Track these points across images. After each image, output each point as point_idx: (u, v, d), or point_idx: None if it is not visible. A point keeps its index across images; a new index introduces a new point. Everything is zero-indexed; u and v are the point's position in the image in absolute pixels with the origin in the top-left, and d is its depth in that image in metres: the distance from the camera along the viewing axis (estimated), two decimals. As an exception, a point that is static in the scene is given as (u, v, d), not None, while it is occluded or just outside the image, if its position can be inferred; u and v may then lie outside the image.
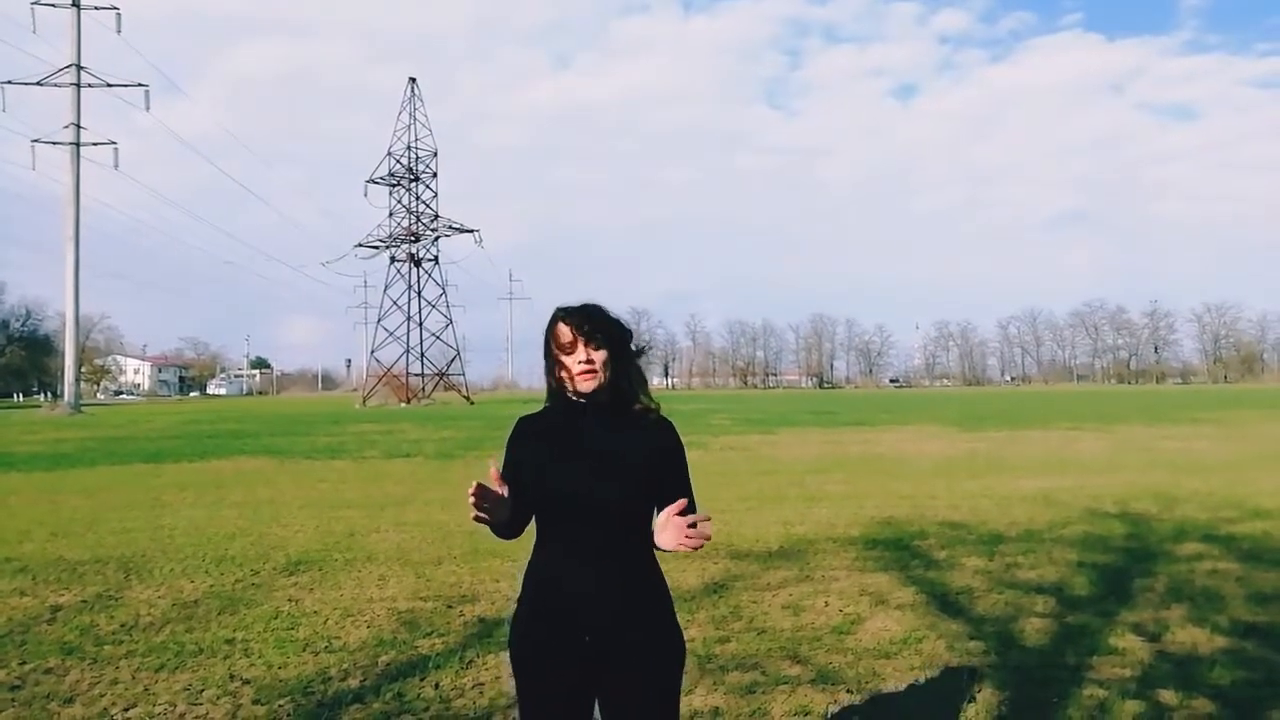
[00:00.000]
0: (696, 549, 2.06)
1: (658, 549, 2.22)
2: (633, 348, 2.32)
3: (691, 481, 2.33)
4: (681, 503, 2.09)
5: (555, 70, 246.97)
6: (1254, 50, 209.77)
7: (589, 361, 2.22)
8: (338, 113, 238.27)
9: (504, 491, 2.14)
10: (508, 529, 2.25)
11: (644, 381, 2.35)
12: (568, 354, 2.24)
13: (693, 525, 2.04)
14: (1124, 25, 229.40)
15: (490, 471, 2.14)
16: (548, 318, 2.30)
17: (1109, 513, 9.58)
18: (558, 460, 2.23)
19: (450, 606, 5.88)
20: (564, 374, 2.25)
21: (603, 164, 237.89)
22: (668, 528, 2.10)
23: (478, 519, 2.09)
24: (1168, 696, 4.15)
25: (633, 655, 2.20)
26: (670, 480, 2.27)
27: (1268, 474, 13.14)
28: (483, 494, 2.07)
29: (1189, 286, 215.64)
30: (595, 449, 2.23)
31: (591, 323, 2.24)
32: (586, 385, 2.23)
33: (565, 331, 2.24)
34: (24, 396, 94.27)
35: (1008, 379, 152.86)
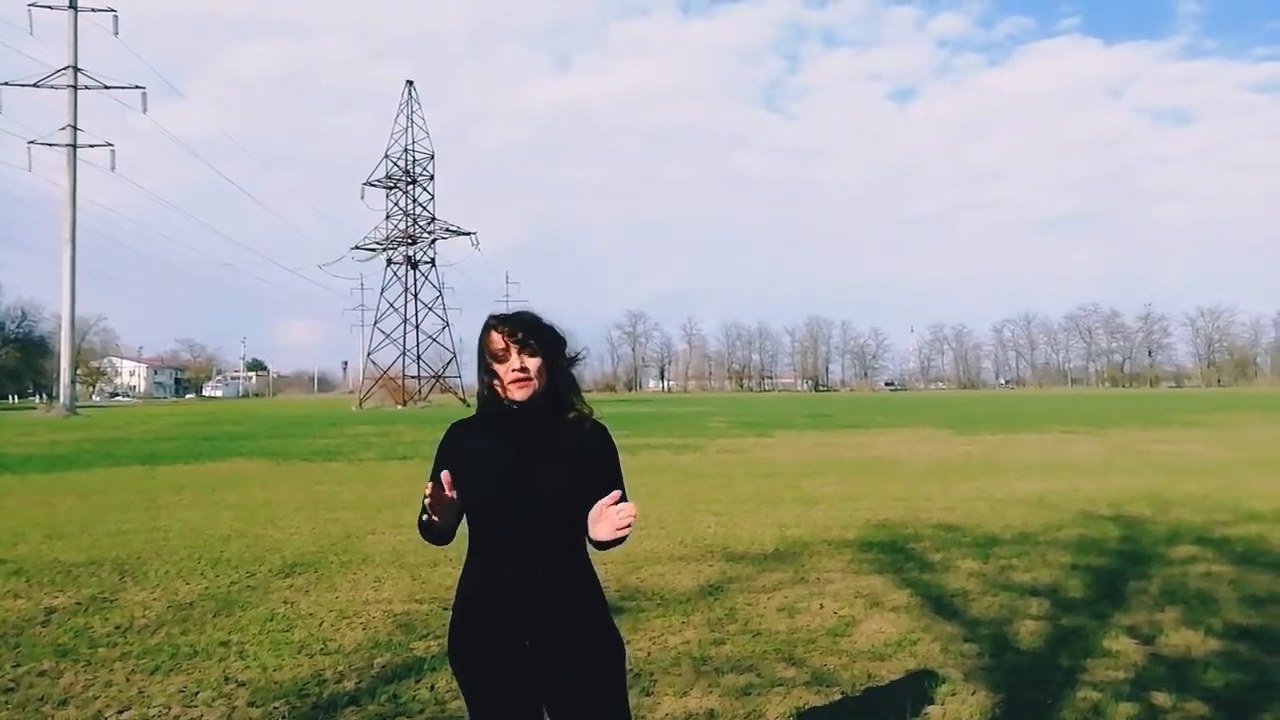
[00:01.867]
0: (628, 528, 2.08)
1: (595, 544, 2.21)
2: (567, 355, 2.31)
3: (625, 483, 2.34)
4: (615, 494, 2.12)
5: (555, 71, 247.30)
6: (1251, 55, 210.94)
7: (523, 369, 2.21)
8: (336, 114, 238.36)
9: (453, 495, 2.14)
10: (442, 535, 2.25)
11: (577, 388, 2.34)
12: (501, 362, 2.22)
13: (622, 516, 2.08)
14: (1122, 30, 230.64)
15: (444, 476, 2.13)
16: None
17: (1103, 515, 9.60)
18: (491, 466, 2.22)
19: (446, 608, 5.86)
20: (497, 382, 2.24)
21: (600, 165, 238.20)
22: (601, 519, 2.12)
23: (428, 520, 2.11)
24: (1161, 699, 4.17)
25: (575, 659, 2.20)
26: (605, 484, 2.27)
27: (1261, 477, 13.18)
28: (436, 495, 2.08)
29: (1183, 290, 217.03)
30: (529, 455, 2.22)
31: (525, 330, 2.23)
32: (520, 394, 2.21)
33: (498, 339, 2.23)
34: (19, 398, 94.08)
35: (1002, 382, 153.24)
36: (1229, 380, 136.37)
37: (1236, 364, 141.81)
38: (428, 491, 2.06)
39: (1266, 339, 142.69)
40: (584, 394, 2.37)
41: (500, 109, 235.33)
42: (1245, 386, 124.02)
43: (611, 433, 2.38)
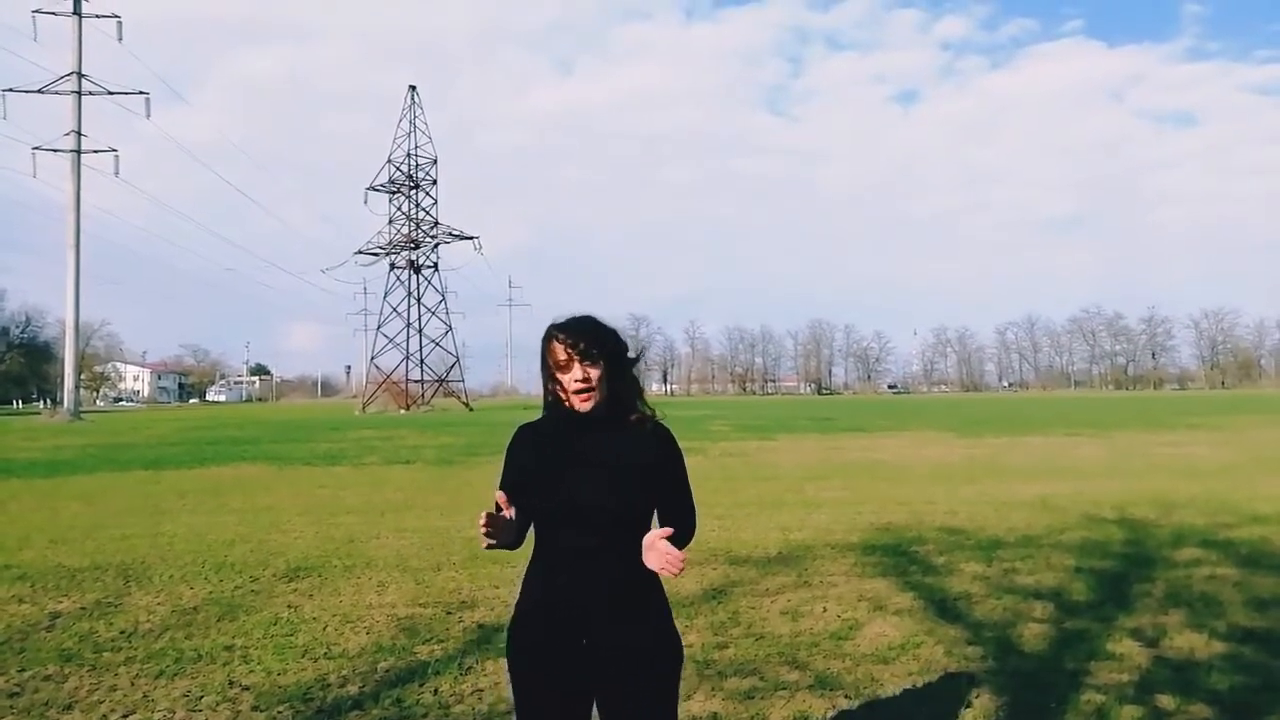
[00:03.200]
0: (676, 575, 2.11)
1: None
2: (629, 356, 2.32)
3: (690, 487, 2.36)
4: (669, 531, 2.14)
5: (557, 74, 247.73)
6: (1254, 57, 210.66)
7: (585, 379, 2.22)
8: (338, 118, 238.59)
9: (510, 514, 2.17)
10: (510, 543, 2.28)
11: (640, 390, 2.35)
12: (564, 372, 2.24)
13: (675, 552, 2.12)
14: (1125, 32, 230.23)
15: (498, 497, 2.17)
16: (546, 324, 2.31)
17: (1107, 518, 9.58)
18: (557, 468, 2.25)
19: (449, 613, 5.88)
20: (561, 391, 2.26)
21: (602, 168, 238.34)
22: (654, 548, 2.14)
23: (489, 547, 2.15)
24: (1166, 701, 4.16)
25: (630, 659, 2.22)
26: (668, 486, 2.31)
27: (1265, 479, 13.15)
28: (492, 522, 2.11)
29: (1187, 292, 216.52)
30: (594, 457, 2.24)
31: (587, 339, 2.24)
32: (584, 405, 2.24)
33: (560, 350, 2.24)
34: (23, 403, 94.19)
35: (1005, 385, 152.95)
36: (1233, 382, 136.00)
37: (1240, 366, 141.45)
38: (482, 522, 2.09)
39: (1270, 341, 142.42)
40: (641, 390, 2.38)
41: (502, 113, 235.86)
42: (1249, 388, 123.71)
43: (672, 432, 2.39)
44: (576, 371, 2.22)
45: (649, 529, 2.25)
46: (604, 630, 2.21)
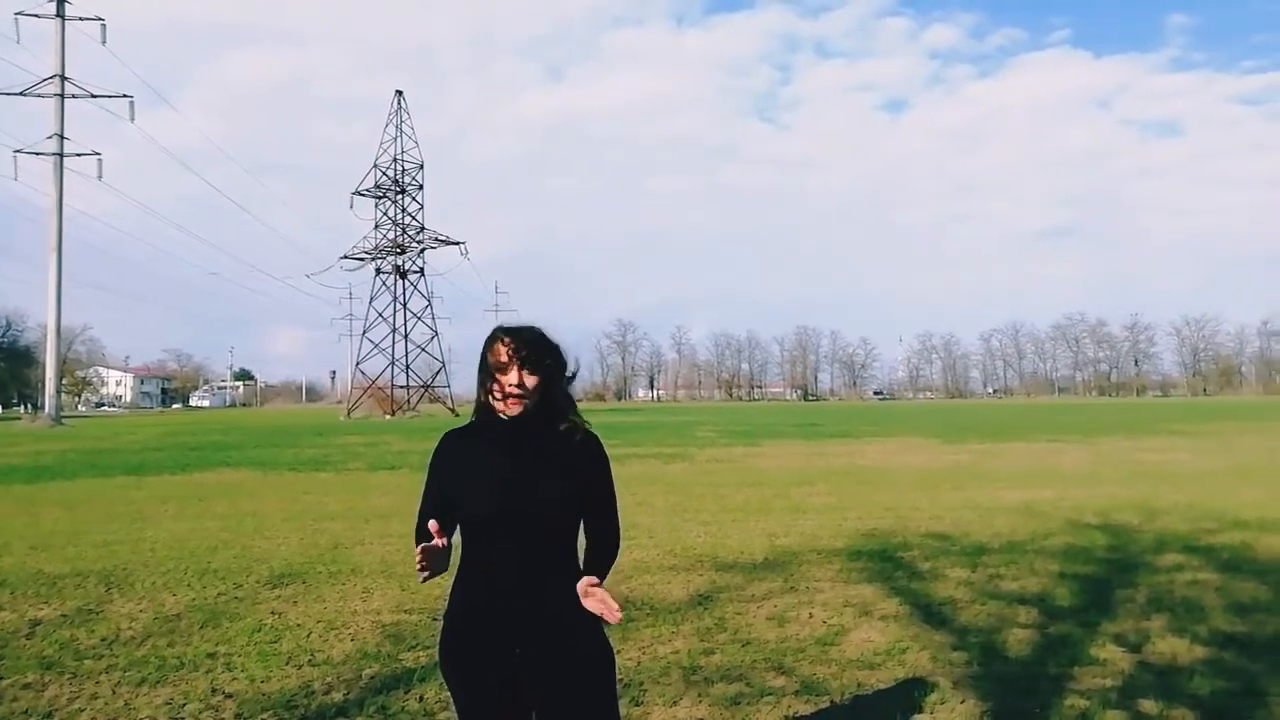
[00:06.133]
0: (616, 621, 2.15)
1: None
2: (567, 374, 2.34)
3: (616, 498, 2.38)
4: (595, 580, 2.17)
5: (548, 82, 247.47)
6: (1239, 67, 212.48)
7: (520, 385, 2.24)
8: (327, 124, 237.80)
9: (443, 542, 2.17)
10: (444, 565, 2.29)
11: (573, 404, 2.37)
12: (502, 374, 2.25)
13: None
14: (1112, 42, 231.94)
15: (430, 526, 2.16)
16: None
17: (1090, 524, 9.65)
18: (484, 475, 2.25)
19: (435, 619, 5.83)
20: (495, 392, 2.27)
21: (592, 175, 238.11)
22: (590, 595, 2.17)
23: (426, 579, 2.16)
24: (1148, 706, 4.19)
25: (564, 666, 2.23)
26: (596, 495, 2.32)
27: (1246, 485, 13.28)
28: (427, 554, 2.12)
29: (1169, 300, 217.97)
30: (521, 464, 2.25)
31: (529, 348, 2.26)
32: (513, 409, 2.25)
33: (502, 351, 2.26)
34: (4, 408, 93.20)
35: (990, 391, 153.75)
36: (1214, 389, 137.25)
37: (1222, 373, 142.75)
38: (418, 557, 2.11)
39: (1251, 348, 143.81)
40: (576, 403, 2.40)
41: (493, 120, 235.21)
42: (1230, 395, 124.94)
43: (602, 443, 2.40)
44: (514, 376, 2.24)
45: (577, 536, 2.28)
46: (535, 639, 2.21)
